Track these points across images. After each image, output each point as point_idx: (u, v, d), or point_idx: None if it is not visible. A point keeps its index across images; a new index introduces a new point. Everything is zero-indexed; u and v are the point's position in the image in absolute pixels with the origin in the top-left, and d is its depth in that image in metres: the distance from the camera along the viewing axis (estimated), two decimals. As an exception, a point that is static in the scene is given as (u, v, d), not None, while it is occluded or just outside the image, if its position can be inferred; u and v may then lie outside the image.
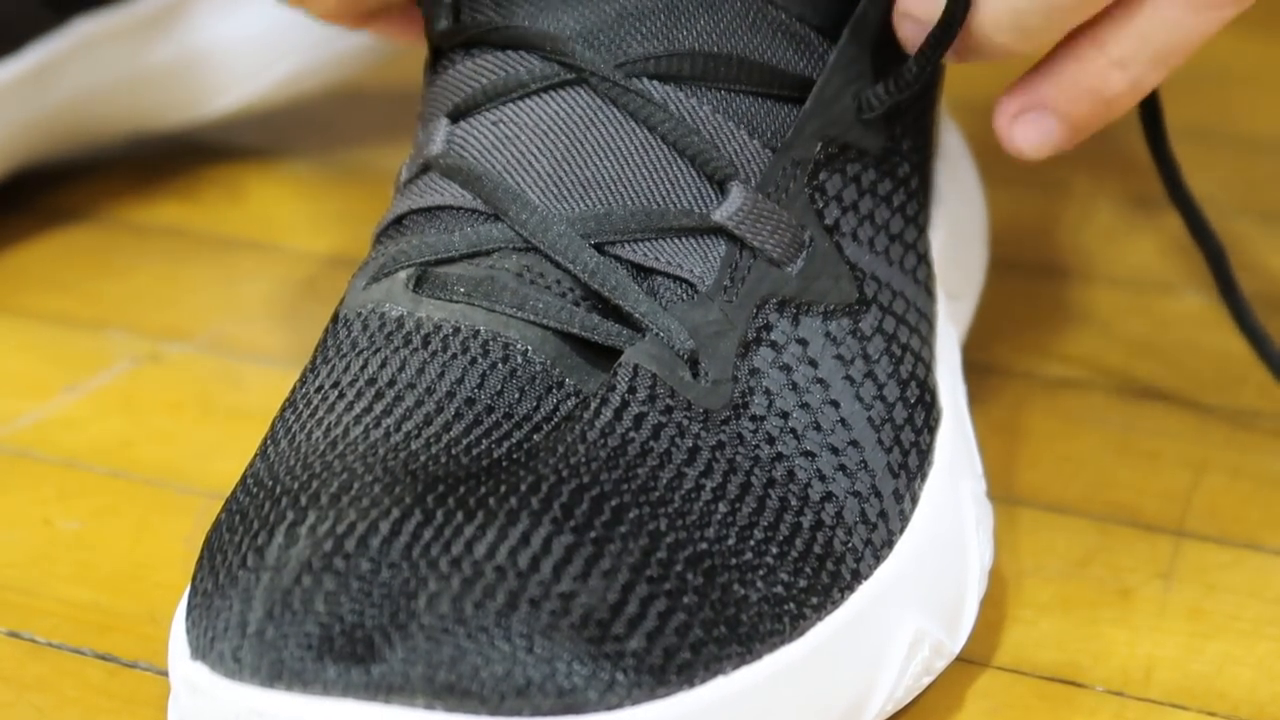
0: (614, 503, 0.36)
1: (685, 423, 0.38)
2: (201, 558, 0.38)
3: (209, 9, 0.65)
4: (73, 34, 0.62)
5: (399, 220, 0.42)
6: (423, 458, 0.37)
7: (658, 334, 0.39)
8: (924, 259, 0.44)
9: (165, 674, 0.42)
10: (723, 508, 0.37)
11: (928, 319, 0.44)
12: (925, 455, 0.41)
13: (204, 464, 0.50)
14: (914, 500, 0.40)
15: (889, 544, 0.39)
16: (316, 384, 0.40)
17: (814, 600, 0.37)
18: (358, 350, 0.40)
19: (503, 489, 0.36)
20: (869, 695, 0.38)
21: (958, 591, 0.41)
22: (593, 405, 0.38)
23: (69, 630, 0.43)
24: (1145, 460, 0.50)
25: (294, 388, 0.41)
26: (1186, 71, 0.78)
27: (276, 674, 0.34)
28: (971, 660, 0.42)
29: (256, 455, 0.40)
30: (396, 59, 0.71)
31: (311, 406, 0.39)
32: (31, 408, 0.52)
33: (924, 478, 0.41)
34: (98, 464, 0.50)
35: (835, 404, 0.40)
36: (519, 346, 0.39)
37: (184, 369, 0.55)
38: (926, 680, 0.40)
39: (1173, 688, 0.42)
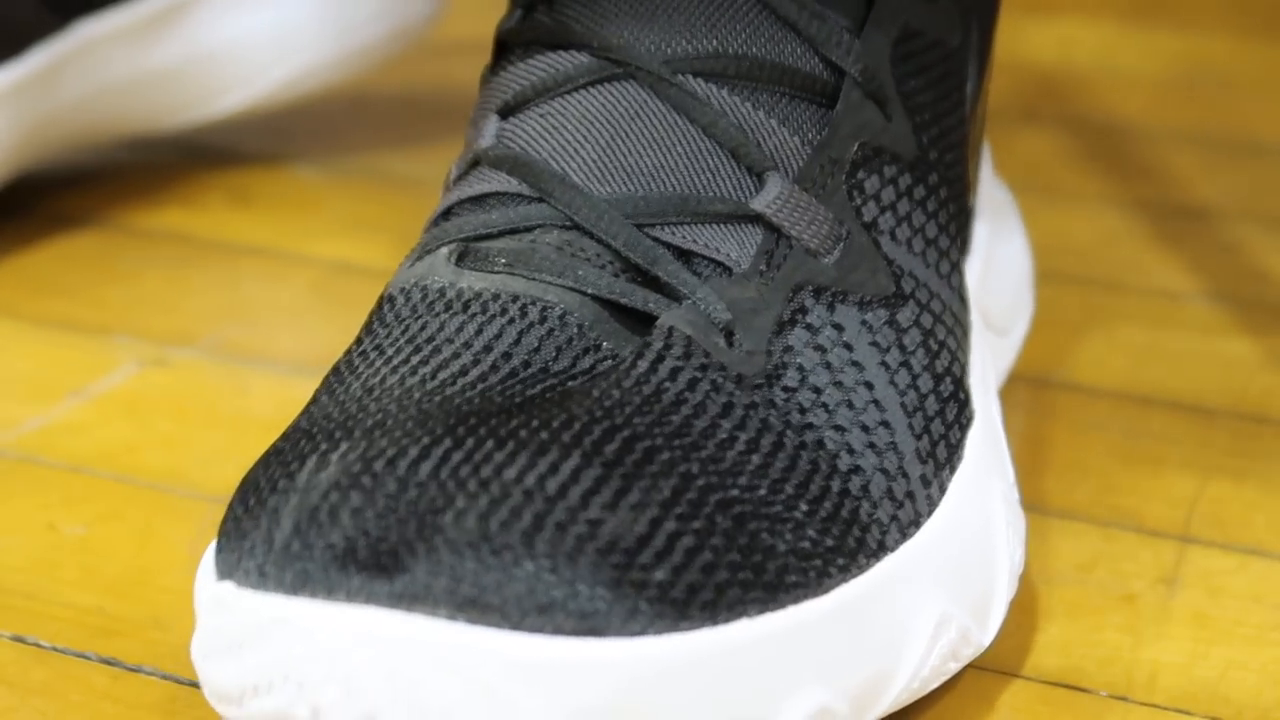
0: (645, 444, 0.37)
1: (720, 380, 0.39)
2: (234, 498, 0.38)
3: (211, 10, 0.65)
4: (75, 36, 0.62)
5: (447, 211, 0.43)
6: (457, 401, 0.37)
7: (695, 303, 0.40)
8: (956, 269, 0.45)
9: (170, 679, 0.42)
10: (755, 460, 0.38)
11: (962, 325, 0.44)
12: (955, 449, 0.41)
13: (208, 469, 0.50)
14: (941, 489, 0.41)
15: (915, 524, 0.39)
16: (360, 350, 0.41)
17: (840, 561, 0.37)
18: (400, 320, 0.40)
19: (534, 423, 0.36)
20: (894, 669, 0.38)
21: (986, 584, 0.41)
22: (629, 359, 0.38)
23: (73, 635, 0.43)
24: (1149, 466, 0.50)
25: (337, 360, 0.41)
26: (1191, 77, 0.78)
27: (301, 583, 0.34)
28: (975, 665, 0.42)
29: (299, 414, 0.40)
30: (401, 61, 0.72)
31: (353, 368, 0.40)
32: (36, 413, 0.52)
33: (952, 470, 0.41)
34: (102, 469, 0.50)
35: (869, 385, 0.40)
36: (557, 309, 0.39)
37: (189, 374, 0.55)
38: (954, 666, 0.40)
39: (1177, 693, 0.42)
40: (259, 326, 0.58)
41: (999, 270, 0.51)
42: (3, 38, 0.61)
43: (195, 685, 0.41)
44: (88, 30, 0.63)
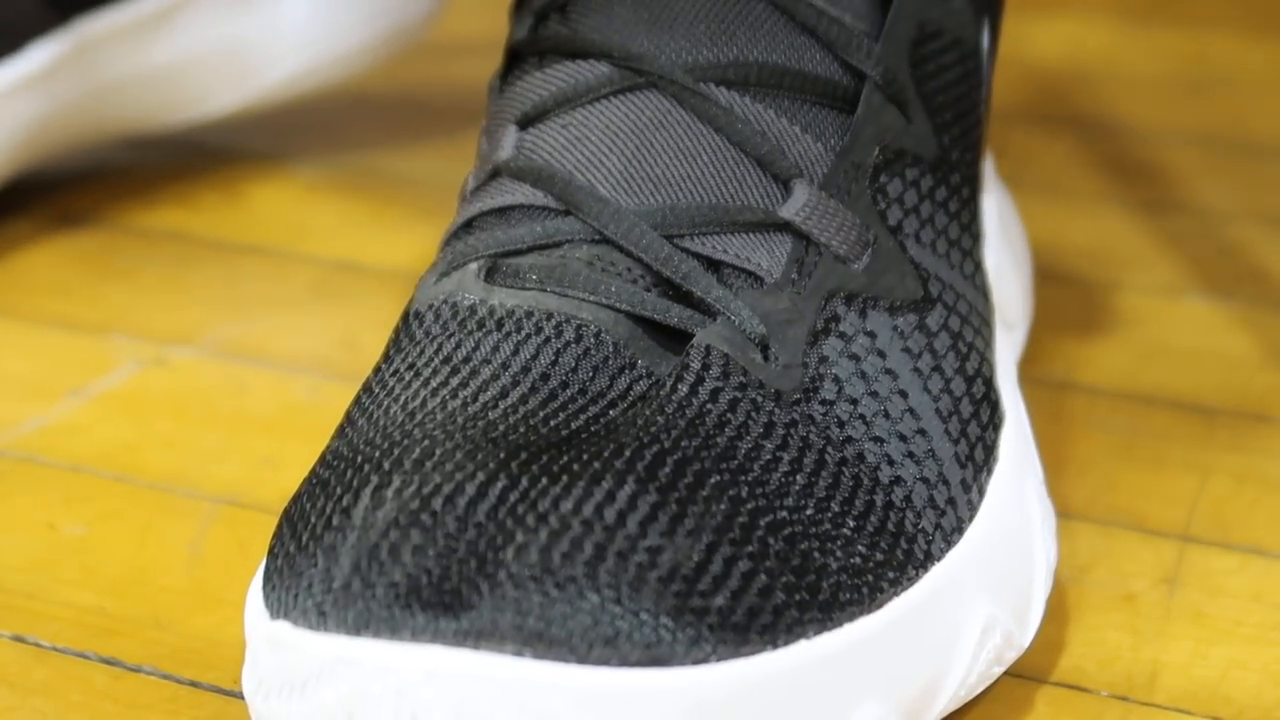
0: (695, 467, 0.37)
1: (759, 399, 0.39)
2: (280, 529, 0.38)
3: (210, 9, 0.65)
4: (74, 34, 0.62)
5: (468, 223, 0.43)
6: (501, 427, 0.37)
7: (729, 318, 0.40)
8: (980, 268, 0.45)
9: (170, 679, 0.42)
10: (800, 480, 0.38)
11: (989, 324, 0.44)
12: (991, 450, 0.42)
13: (208, 468, 0.50)
14: (981, 492, 0.41)
15: (959, 530, 0.40)
16: (391, 369, 0.40)
17: (890, 575, 0.38)
18: (431, 337, 0.40)
19: (585, 456, 0.36)
20: (943, 678, 0.38)
21: (1025, 585, 0.41)
22: (668, 382, 0.38)
23: (73, 634, 0.43)
24: (1150, 465, 0.50)
25: (367, 378, 0.41)
26: (1193, 77, 0.78)
27: (363, 623, 0.34)
28: (976, 665, 0.42)
29: (333, 437, 0.40)
30: (400, 61, 0.71)
31: (387, 388, 0.40)
32: (35, 413, 0.52)
33: (990, 472, 0.41)
34: (102, 469, 0.50)
35: (903, 394, 0.40)
36: (591, 328, 0.39)
37: (188, 373, 0.55)
38: (997, 670, 0.40)
39: (1177, 693, 0.42)
40: (258, 325, 0.58)
41: (1008, 265, 0.51)
42: (1, 35, 0.61)
43: (195, 685, 0.42)
44: (87, 28, 0.63)
